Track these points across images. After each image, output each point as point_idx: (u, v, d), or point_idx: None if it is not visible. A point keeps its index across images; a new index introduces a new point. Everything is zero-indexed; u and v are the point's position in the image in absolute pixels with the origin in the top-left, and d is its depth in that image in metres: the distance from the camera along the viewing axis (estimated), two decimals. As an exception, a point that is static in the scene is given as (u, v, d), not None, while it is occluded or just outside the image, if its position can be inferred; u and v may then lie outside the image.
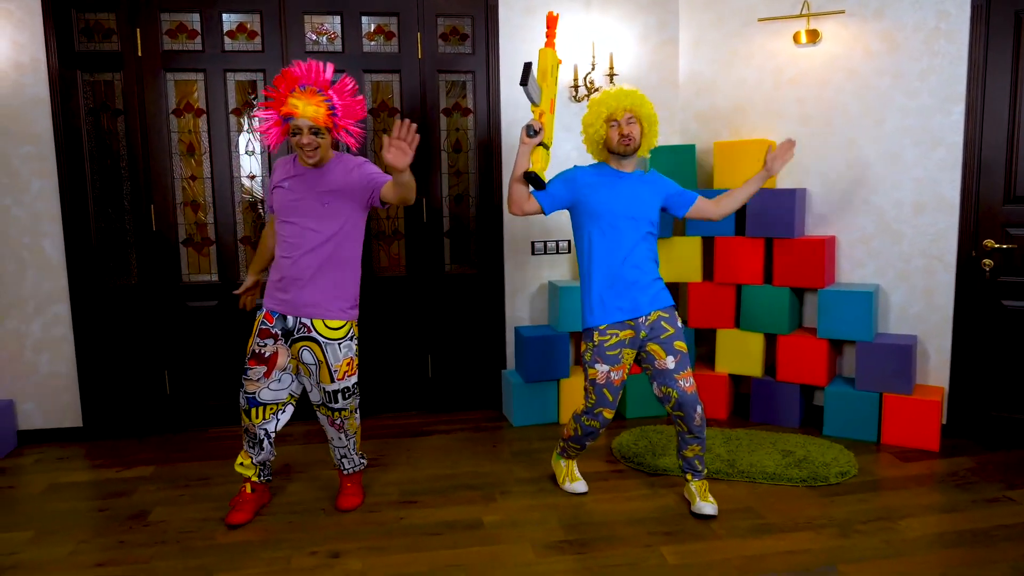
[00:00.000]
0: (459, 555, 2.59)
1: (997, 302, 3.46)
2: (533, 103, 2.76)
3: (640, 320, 2.79)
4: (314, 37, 3.81)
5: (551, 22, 2.81)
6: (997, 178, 3.41)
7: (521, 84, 2.71)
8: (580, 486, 3.08)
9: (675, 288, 4.24)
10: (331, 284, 2.74)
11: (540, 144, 2.72)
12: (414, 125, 2.35)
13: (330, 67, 2.61)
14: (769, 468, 3.22)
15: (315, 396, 2.86)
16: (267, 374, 2.76)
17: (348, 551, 2.62)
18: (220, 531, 2.78)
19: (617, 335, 2.79)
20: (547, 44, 2.80)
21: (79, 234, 3.66)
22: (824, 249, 3.62)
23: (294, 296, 2.72)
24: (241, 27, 3.73)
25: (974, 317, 3.51)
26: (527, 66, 2.68)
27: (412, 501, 3.03)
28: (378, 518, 2.88)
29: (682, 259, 3.94)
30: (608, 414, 2.85)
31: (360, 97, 2.69)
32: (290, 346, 2.78)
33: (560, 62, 2.85)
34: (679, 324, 2.85)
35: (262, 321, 2.77)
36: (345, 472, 3.01)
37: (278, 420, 2.85)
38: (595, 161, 2.93)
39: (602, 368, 2.79)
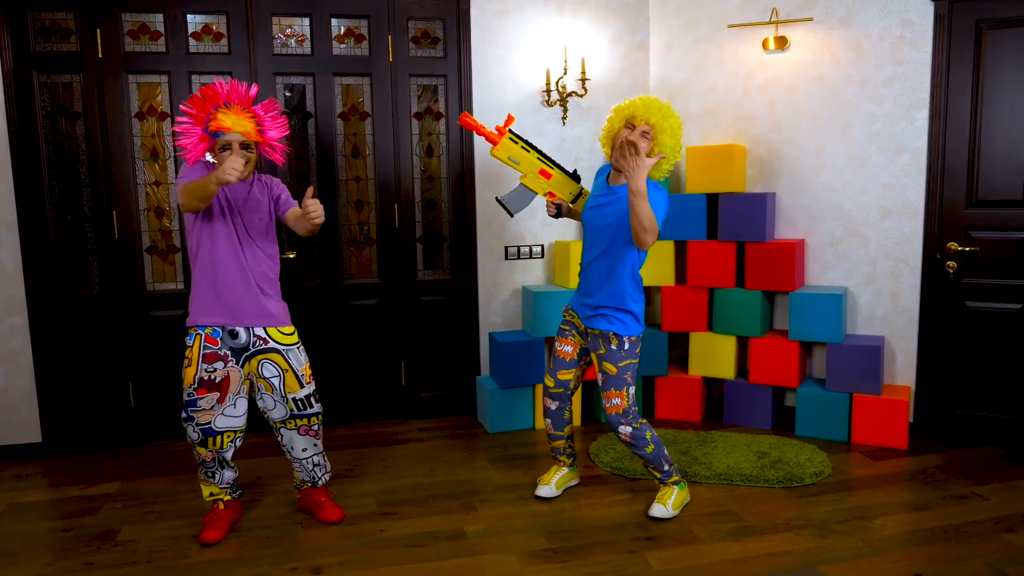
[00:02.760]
0: (444, 567, 2.55)
1: (961, 303, 3.56)
2: (538, 193, 2.86)
3: (584, 324, 2.89)
4: (282, 39, 3.72)
5: (466, 124, 2.70)
6: (960, 182, 3.51)
7: (512, 214, 2.85)
8: (542, 490, 3.07)
9: (648, 292, 4.26)
10: (273, 292, 2.74)
11: (571, 203, 2.92)
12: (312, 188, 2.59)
13: (255, 87, 2.64)
14: (746, 470, 3.25)
15: (279, 413, 2.78)
16: (221, 400, 2.66)
17: (329, 566, 2.56)
18: (193, 549, 2.69)
19: (573, 318, 2.95)
20: (493, 144, 2.73)
21: (37, 242, 3.51)
22: (795, 253, 3.68)
23: (242, 309, 2.65)
24: (207, 28, 3.63)
25: (939, 318, 3.60)
26: (499, 201, 2.83)
27: (391, 512, 2.98)
28: (358, 531, 2.82)
29: (655, 263, 3.96)
30: (547, 380, 2.99)
31: (283, 117, 2.75)
32: (243, 364, 2.69)
33: (515, 146, 2.73)
34: (614, 347, 2.78)
35: (204, 345, 2.63)
36: (318, 484, 2.94)
37: (235, 447, 2.76)
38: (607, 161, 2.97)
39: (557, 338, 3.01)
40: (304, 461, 2.88)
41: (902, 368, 3.71)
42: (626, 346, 2.78)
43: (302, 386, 2.75)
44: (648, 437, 2.83)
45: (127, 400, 3.72)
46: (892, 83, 3.58)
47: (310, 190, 2.54)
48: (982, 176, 3.46)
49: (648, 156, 2.67)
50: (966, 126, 3.46)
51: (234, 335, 2.65)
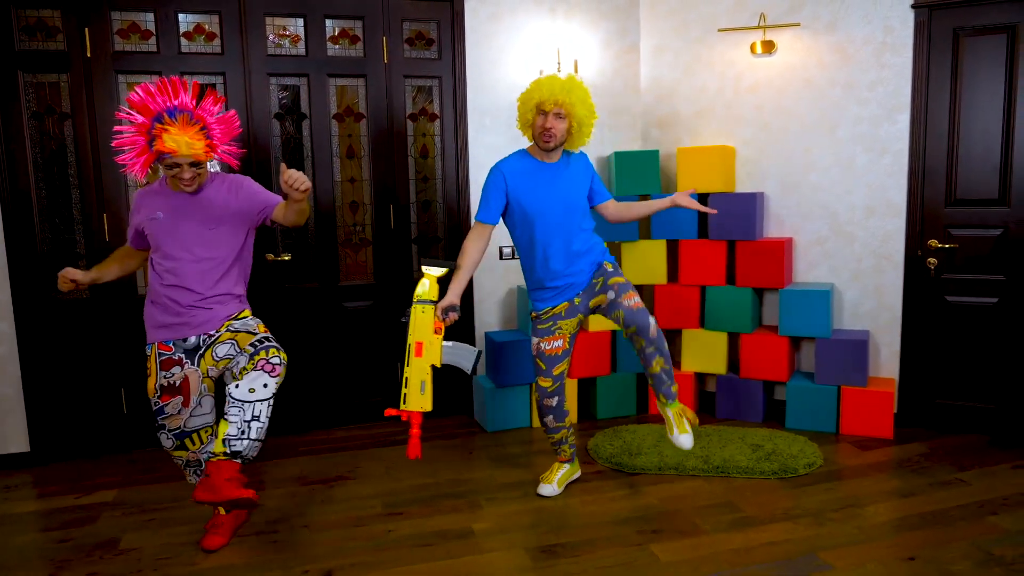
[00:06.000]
0: (455, 565, 2.57)
1: (941, 298, 3.70)
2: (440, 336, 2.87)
3: (580, 294, 2.94)
4: (276, 40, 3.69)
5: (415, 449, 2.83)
6: (939, 182, 3.64)
7: (480, 354, 2.89)
8: (544, 488, 3.11)
9: (641, 290, 4.30)
10: (227, 298, 2.69)
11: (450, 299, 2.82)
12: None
13: (195, 83, 2.50)
14: (742, 463, 3.34)
15: (242, 361, 2.55)
16: (186, 403, 2.63)
17: (341, 567, 2.57)
18: (200, 556, 2.67)
19: (551, 311, 2.94)
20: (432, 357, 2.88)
21: (23, 246, 3.43)
22: (784, 251, 3.79)
23: (189, 320, 2.62)
24: (199, 28, 3.58)
25: (921, 312, 3.74)
26: (473, 372, 2.92)
27: (398, 513, 2.99)
28: (366, 532, 2.83)
29: (648, 262, 4.03)
30: (542, 382, 2.97)
31: (232, 111, 2.59)
32: (199, 362, 2.66)
33: (429, 355, 2.90)
34: (610, 270, 2.92)
35: (159, 353, 2.62)
36: (237, 450, 2.48)
37: (216, 438, 2.65)
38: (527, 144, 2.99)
39: (534, 340, 2.99)
40: (246, 406, 2.47)
41: (886, 361, 3.84)
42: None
43: (255, 334, 2.61)
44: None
45: (119, 406, 3.65)
46: (876, 87, 3.70)
47: (283, 165, 2.35)
48: (960, 176, 3.60)
49: (569, 132, 2.79)
50: (945, 128, 3.59)
51: (185, 339, 2.65)
